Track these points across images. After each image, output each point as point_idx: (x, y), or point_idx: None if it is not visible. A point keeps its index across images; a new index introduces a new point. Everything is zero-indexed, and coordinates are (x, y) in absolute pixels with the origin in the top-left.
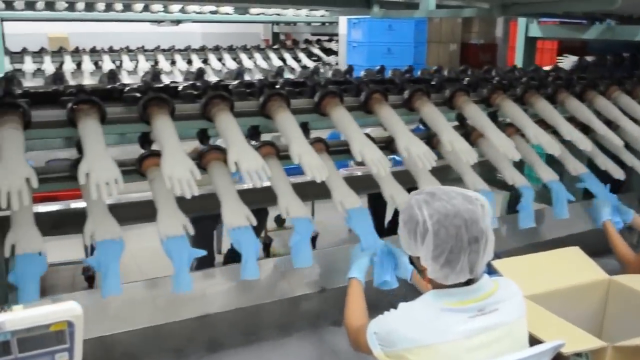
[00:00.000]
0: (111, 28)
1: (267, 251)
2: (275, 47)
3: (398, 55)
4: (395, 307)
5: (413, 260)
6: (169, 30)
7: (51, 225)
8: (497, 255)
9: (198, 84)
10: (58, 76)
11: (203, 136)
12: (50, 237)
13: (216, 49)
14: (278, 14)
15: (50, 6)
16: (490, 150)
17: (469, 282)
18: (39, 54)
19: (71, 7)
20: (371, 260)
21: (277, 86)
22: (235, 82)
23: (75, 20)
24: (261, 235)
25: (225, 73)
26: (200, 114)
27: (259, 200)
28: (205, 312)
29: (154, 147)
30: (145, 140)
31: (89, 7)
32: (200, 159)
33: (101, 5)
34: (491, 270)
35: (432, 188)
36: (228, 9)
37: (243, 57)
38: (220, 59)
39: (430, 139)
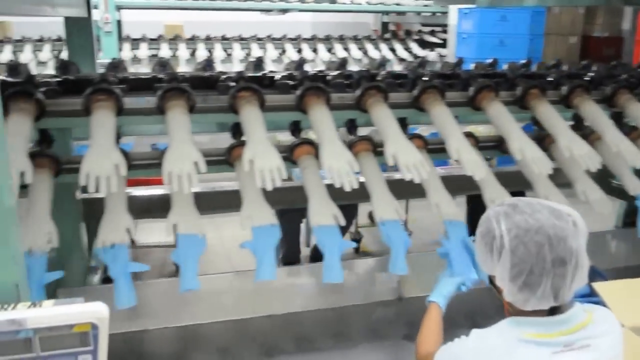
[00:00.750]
0: (223, 17)
1: (356, 248)
2: (374, 39)
3: (511, 47)
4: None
5: (491, 279)
6: (278, 20)
7: (143, 208)
8: (602, 276)
9: (346, 73)
10: (209, 63)
11: (352, 126)
12: (142, 219)
13: (341, 39)
14: (370, 2)
15: None
16: None
17: (555, 311)
18: (156, 41)
19: None
20: (459, 288)
21: (426, 78)
22: (383, 72)
23: (190, 9)
24: (350, 230)
25: (366, 63)
26: (351, 104)
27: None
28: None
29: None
30: (296, 128)
31: None
32: (350, 149)
33: None
34: (592, 293)
35: (515, 199)
36: None
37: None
38: (346, 49)
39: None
